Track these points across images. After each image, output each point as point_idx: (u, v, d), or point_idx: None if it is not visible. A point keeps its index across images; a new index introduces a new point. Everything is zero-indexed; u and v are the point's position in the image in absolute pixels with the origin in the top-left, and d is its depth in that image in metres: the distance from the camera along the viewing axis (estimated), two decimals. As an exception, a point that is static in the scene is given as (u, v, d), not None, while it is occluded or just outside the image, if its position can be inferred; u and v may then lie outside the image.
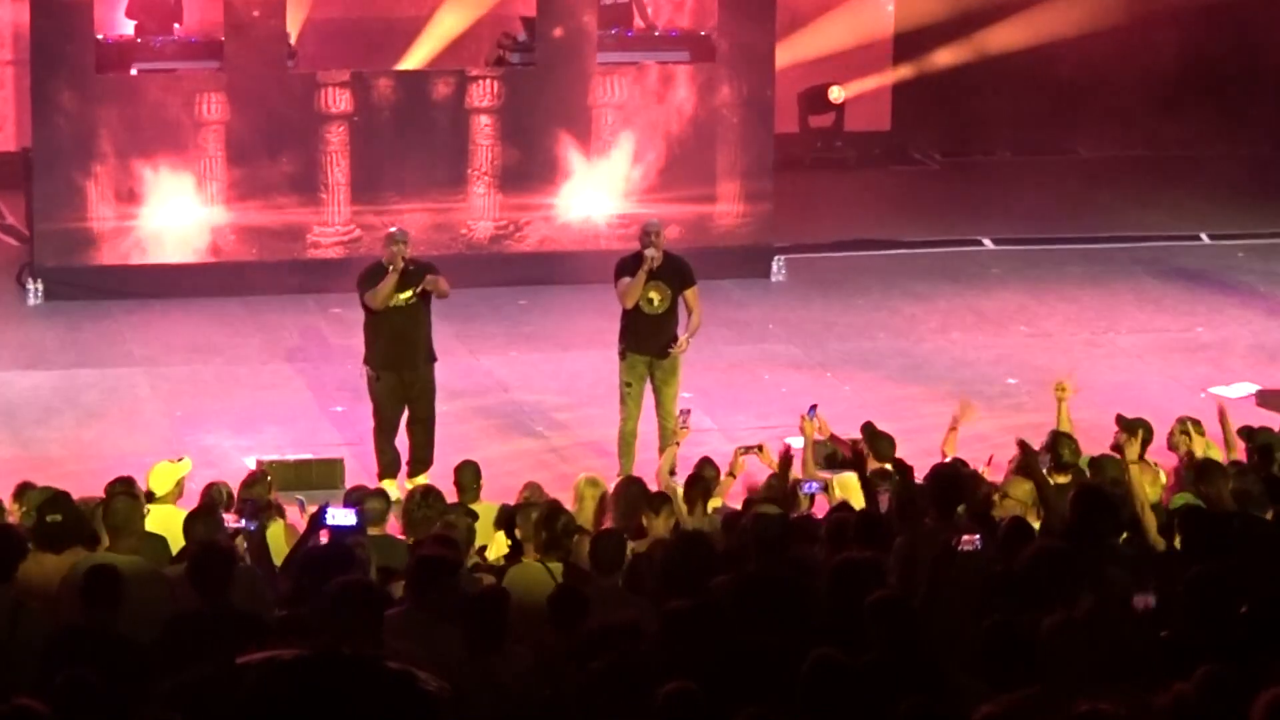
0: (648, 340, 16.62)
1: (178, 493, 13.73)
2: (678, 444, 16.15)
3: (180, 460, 14.18)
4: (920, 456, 14.48)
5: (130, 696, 8.69)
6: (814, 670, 8.35)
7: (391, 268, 16.24)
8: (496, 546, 13.01)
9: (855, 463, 14.11)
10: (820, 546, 11.76)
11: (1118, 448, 14.52)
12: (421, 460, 16.44)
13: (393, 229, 17.27)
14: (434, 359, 16.68)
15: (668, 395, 16.66)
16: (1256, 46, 26.37)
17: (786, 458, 14.29)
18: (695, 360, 17.25)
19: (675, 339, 16.63)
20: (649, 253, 16.52)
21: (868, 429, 14.79)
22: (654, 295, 16.53)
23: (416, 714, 2.71)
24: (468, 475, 14.36)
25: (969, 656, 9.24)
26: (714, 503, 14.06)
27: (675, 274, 16.64)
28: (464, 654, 9.33)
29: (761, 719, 7.85)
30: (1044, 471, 13.82)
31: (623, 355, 16.69)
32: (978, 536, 11.37)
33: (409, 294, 16.27)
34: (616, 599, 10.84)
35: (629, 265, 16.66)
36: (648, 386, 16.70)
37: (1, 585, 10.55)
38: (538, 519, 11.95)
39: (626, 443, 16.68)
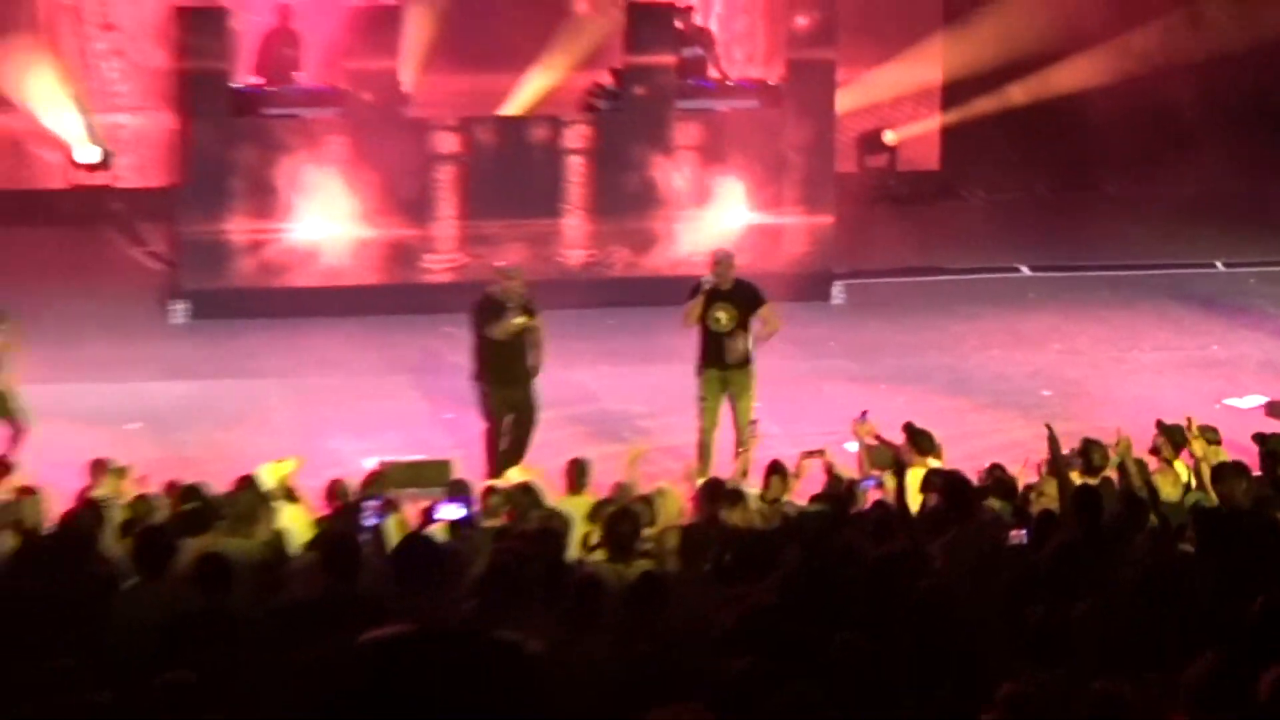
0: (718, 355, 16.69)
1: (282, 490, 13.82)
2: (748, 449, 16.25)
3: (283, 461, 14.27)
4: (964, 460, 14.56)
5: (244, 673, 8.75)
6: (841, 652, 8.40)
7: (510, 304, 16.47)
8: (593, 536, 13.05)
9: (898, 462, 14.22)
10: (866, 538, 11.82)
11: (1155, 451, 14.57)
12: (512, 460, 16.50)
13: (508, 267, 17.38)
14: (536, 374, 16.84)
15: (743, 408, 16.68)
16: (1266, 92, 26.31)
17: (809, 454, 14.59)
18: (764, 374, 17.29)
19: (747, 358, 16.72)
20: (704, 278, 16.71)
21: (908, 428, 14.76)
22: (721, 315, 16.60)
23: (521, 675, 2.73)
24: (579, 471, 14.39)
25: (1001, 638, 9.28)
26: (785, 497, 14.15)
27: (744, 297, 16.68)
28: (557, 632, 9.33)
29: (801, 695, 7.89)
30: (1074, 473, 13.88)
31: (699, 371, 16.79)
32: (1024, 531, 11.45)
33: (522, 320, 16.41)
34: (700, 589, 10.87)
35: (697, 288, 16.79)
36: (724, 398, 16.77)
37: (155, 582, 10.56)
38: (606, 520, 12.00)
39: (705, 449, 16.73)
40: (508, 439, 16.81)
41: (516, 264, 17.36)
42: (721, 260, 16.90)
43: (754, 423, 16.63)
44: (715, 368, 16.74)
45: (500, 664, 2.69)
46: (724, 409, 16.83)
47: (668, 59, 22.16)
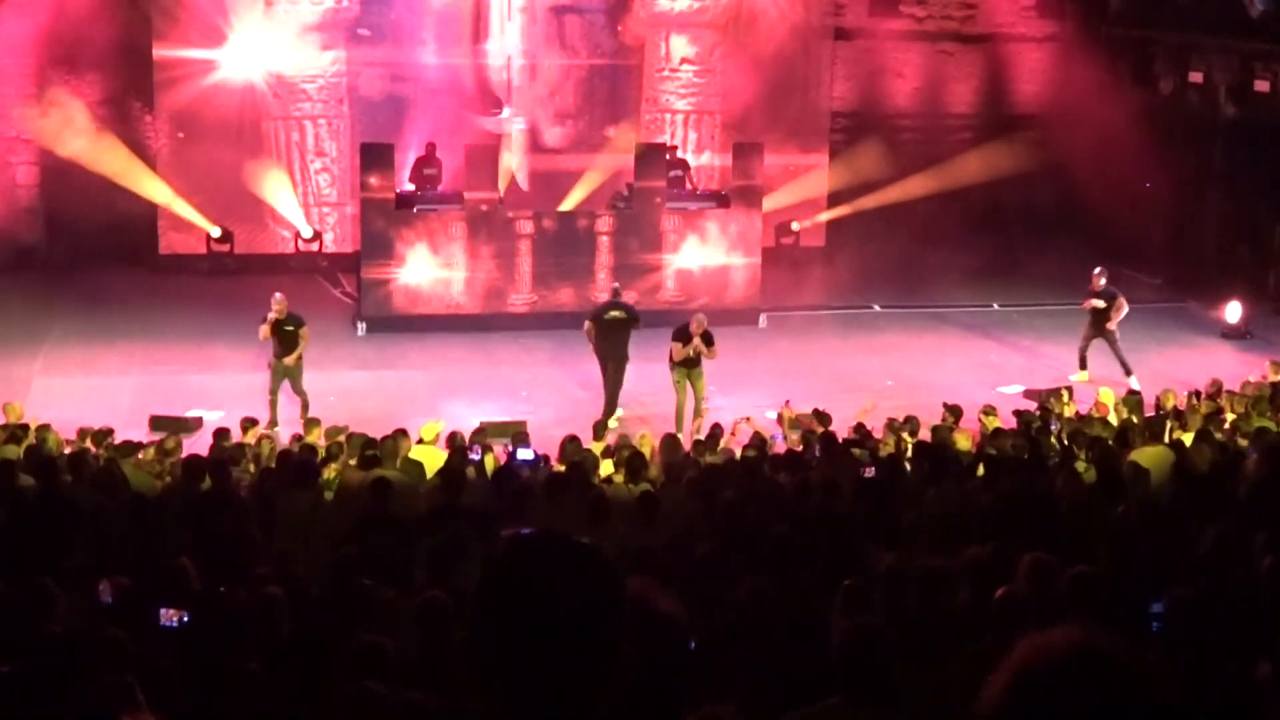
0: (684, 364, 16.91)
1: (437, 439, 13.76)
2: (703, 415, 16.28)
3: (439, 420, 14.23)
4: (839, 424, 14.48)
5: (399, 556, 8.66)
6: (772, 539, 8.32)
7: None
8: (605, 469, 13.02)
9: (808, 428, 14.25)
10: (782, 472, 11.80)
11: (945, 419, 14.63)
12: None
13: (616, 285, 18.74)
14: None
15: (699, 388, 16.80)
16: (1033, 190, 26.27)
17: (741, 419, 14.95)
18: (718, 370, 17.24)
19: (699, 361, 16.93)
20: (694, 331, 16.82)
21: (815, 411, 14.97)
22: (693, 350, 16.85)
23: (606, 573, 2.63)
24: (601, 427, 14.43)
25: (864, 531, 9.22)
26: (724, 443, 14.13)
27: (705, 339, 16.93)
28: (585, 525, 9.28)
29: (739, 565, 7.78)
30: (904, 434, 13.91)
31: (672, 369, 16.98)
32: (873, 468, 11.39)
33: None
34: (677, 498, 10.83)
35: (680, 334, 17.00)
36: (688, 386, 16.89)
37: (306, 491, 10.44)
38: (625, 458, 11.96)
39: (679, 415, 16.73)
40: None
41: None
42: (698, 320, 17.07)
43: (707, 399, 16.64)
44: (683, 367, 16.85)
45: (591, 562, 2.60)
46: (689, 391, 16.90)
47: (660, 177, 22.07)
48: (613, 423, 16.43)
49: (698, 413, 16.66)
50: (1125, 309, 19.16)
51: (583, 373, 18.43)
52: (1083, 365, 19.42)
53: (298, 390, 16.84)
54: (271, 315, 16.81)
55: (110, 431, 13.49)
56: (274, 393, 16.72)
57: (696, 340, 16.79)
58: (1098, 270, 19.50)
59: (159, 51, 23.66)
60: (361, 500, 10.13)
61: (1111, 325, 19.12)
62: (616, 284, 18.58)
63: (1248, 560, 7.72)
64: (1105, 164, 24.60)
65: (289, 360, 16.73)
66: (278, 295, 17.08)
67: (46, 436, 13.15)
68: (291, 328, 16.85)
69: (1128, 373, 18.91)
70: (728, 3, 25.31)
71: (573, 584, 2.79)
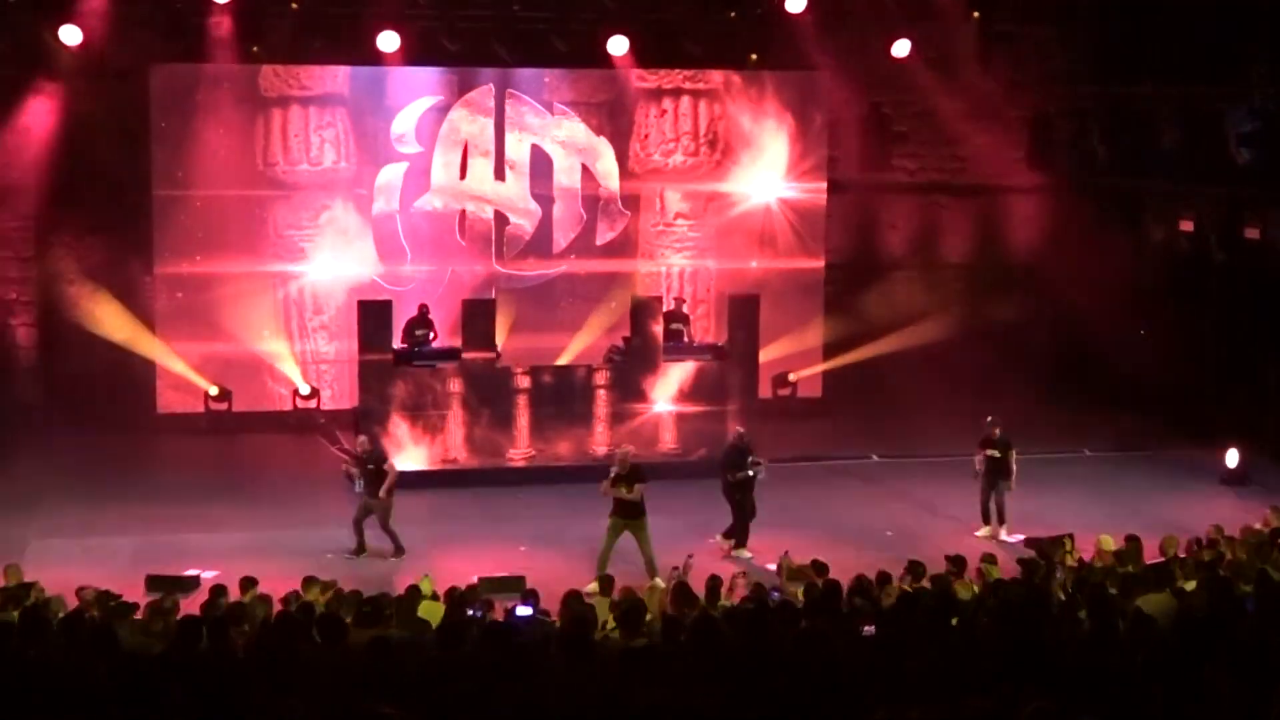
0: (624, 511, 17.08)
1: (433, 594, 13.72)
2: (687, 572, 16.07)
3: (428, 577, 14.19)
4: (840, 574, 14.40)
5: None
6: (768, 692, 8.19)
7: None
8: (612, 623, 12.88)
9: (807, 579, 14.14)
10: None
11: (947, 569, 14.52)
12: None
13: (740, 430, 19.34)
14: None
15: (644, 539, 16.99)
16: (1028, 338, 26.40)
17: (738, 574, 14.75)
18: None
19: (643, 510, 17.10)
20: (614, 469, 17.25)
21: (814, 562, 14.83)
22: (624, 489, 17.03)
23: None
24: (606, 582, 14.30)
25: (864, 680, 9.10)
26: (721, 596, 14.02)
27: (637, 476, 17.16)
28: (583, 683, 9.14)
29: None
30: (904, 585, 13.83)
31: (611, 516, 17.14)
32: (873, 627, 11.24)
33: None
34: (675, 652, 10.70)
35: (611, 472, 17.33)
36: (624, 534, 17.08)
37: (338, 646, 10.40)
38: (623, 612, 11.83)
39: (601, 560, 16.74)
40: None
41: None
42: (623, 457, 17.44)
43: (691, 555, 16.44)
44: (620, 517, 17.02)
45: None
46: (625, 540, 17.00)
47: (656, 330, 22.27)
48: (744, 553, 17.27)
49: (652, 572, 16.49)
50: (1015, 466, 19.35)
51: (581, 527, 18.36)
52: (986, 520, 19.28)
53: (386, 528, 18.05)
54: (359, 452, 18.55)
55: (109, 594, 13.45)
56: (359, 522, 18.10)
57: (615, 471, 17.14)
58: (990, 419, 19.55)
59: (161, 269, 24.15)
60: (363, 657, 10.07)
61: (1012, 482, 19.22)
62: (741, 429, 19.41)
63: (1258, 709, 7.66)
64: (1099, 311, 24.85)
65: (381, 496, 18.10)
66: (362, 437, 18.95)
67: (48, 600, 13.09)
68: (373, 466, 18.31)
69: (1001, 521, 19.15)
70: (720, 157, 25.77)
71: None
